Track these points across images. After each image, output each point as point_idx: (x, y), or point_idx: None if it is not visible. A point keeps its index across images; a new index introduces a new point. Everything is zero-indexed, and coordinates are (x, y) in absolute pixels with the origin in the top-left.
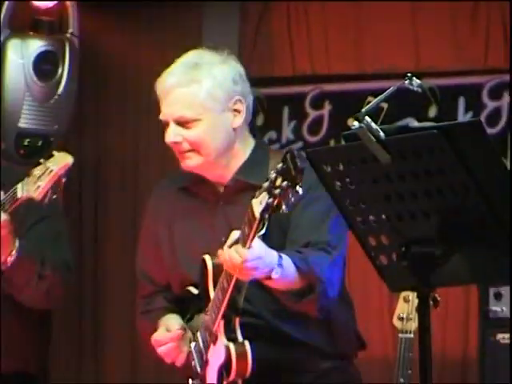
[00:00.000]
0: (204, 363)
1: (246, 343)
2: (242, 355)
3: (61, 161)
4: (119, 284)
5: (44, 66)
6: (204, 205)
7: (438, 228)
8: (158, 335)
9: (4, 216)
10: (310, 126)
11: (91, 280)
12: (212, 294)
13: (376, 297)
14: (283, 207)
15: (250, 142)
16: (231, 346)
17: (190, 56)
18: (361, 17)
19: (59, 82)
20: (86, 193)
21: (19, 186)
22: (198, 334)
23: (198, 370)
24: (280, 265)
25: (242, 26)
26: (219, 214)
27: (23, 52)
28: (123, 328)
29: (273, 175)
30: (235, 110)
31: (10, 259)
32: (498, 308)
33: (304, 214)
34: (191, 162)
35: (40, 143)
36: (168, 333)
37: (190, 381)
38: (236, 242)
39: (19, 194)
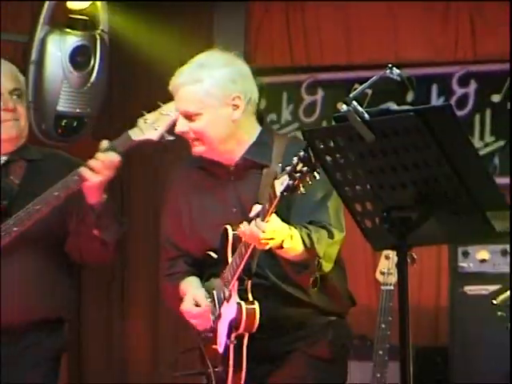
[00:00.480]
0: (217, 317)
1: (256, 303)
2: (251, 313)
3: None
4: (144, 246)
5: (79, 58)
6: (217, 181)
7: (415, 196)
8: (189, 307)
9: (118, 156)
10: (306, 109)
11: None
12: (230, 259)
13: (361, 255)
14: (301, 189)
15: (256, 128)
16: (243, 304)
17: (199, 57)
18: (350, 16)
19: (92, 72)
20: None
21: (132, 130)
22: (214, 292)
23: (211, 322)
24: (290, 237)
25: (247, 23)
26: (230, 189)
27: (61, 46)
28: (146, 283)
29: (295, 161)
30: (234, 105)
31: (103, 198)
32: (466, 264)
33: (308, 195)
34: (197, 149)
35: (75, 124)
36: (198, 308)
37: (203, 333)
38: (256, 216)
39: (134, 137)
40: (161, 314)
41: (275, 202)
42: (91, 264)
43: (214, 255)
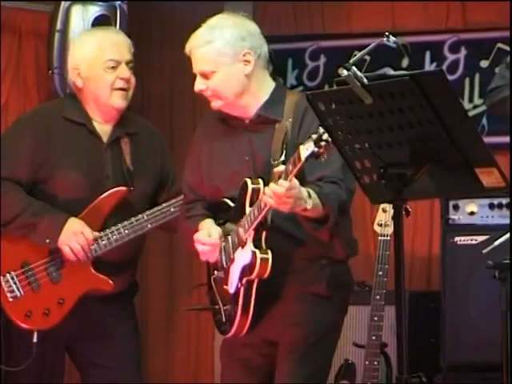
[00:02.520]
0: (230, 260)
1: (269, 252)
2: (264, 260)
3: None
4: None
5: (100, 26)
6: (234, 131)
7: (409, 154)
8: (201, 235)
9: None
10: (309, 74)
11: None
12: (247, 209)
13: (360, 208)
14: (324, 156)
15: (270, 84)
16: (257, 252)
17: (210, 21)
18: None
19: None
20: None
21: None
22: (229, 237)
23: (224, 264)
24: (309, 197)
25: None
26: (245, 139)
27: (83, 15)
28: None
29: (321, 130)
30: (245, 61)
31: None
32: (456, 216)
33: None
34: (215, 104)
35: None
36: (209, 238)
37: (216, 272)
38: (279, 177)
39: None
40: (176, 255)
41: (299, 166)
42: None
43: (230, 203)
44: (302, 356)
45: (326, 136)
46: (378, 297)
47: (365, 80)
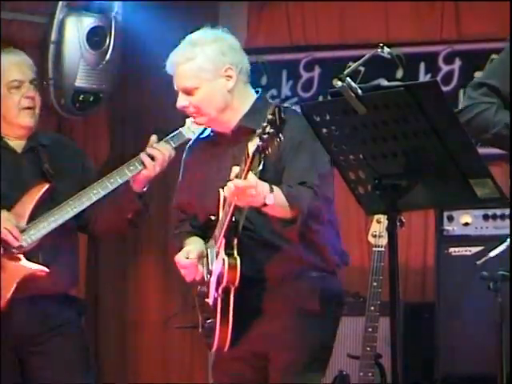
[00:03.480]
0: (209, 273)
1: (237, 257)
2: (232, 266)
3: None
4: (156, 223)
5: (95, 38)
6: (218, 149)
7: (404, 165)
8: (179, 257)
9: (173, 150)
10: (304, 85)
11: None
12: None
13: (355, 219)
14: (269, 150)
15: (251, 97)
16: (226, 258)
17: (190, 37)
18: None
19: (107, 51)
20: (127, 139)
21: (184, 129)
22: (209, 250)
23: (205, 278)
24: (271, 193)
25: (250, 7)
26: (229, 155)
27: (78, 27)
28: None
29: (264, 124)
30: (227, 76)
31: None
32: (450, 227)
33: (295, 159)
34: (199, 121)
35: (92, 99)
36: (187, 260)
37: (199, 287)
38: (235, 177)
39: (186, 135)
40: (170, 271)
41: (248, 162)
42: (103, 237)
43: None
44: (294, 376)
45: (269, 129)
46: (372, 308)
47: (359, 91)
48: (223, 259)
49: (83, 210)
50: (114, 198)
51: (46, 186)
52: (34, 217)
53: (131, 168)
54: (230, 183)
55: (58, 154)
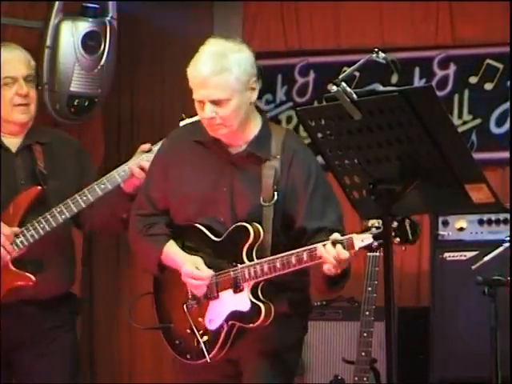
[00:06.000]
0: (212, 297)
1: (271, 305)
2: (268, 314)
3: None
4: None
5: (90, 42)
6: (215, 159)
7: (399, 169)
8: (191, 270)
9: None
10: (298, 90)
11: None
12: (244, 256)
13: (350, 224)
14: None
15: (258, 117)
16: (262, 306)
17: (214, 46)
18: (339, 4)
19: (102, 56)
20: (122, 143)
21: None
22: (214, 273)
23: (203, 298)
24: None
25: (245, 11)
26: (227, 171)
27: (73, 32)
28: None
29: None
30: (252, 88)
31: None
32: (445, 232)
33: (312, 201)
34: (221, 132)
35: (86, 103)
36: (204, 272)
37: (189, 301)
38: (335, 242)
39: None
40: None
41: (352, 252)
42: (103, 234)
43: (207, 232)
44: (267, 373)
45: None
46: (367, 313)
47: (354, 96)
48: (256, 304)
49: (79, 212)
50: (108, 200)
51: (37, 189)
52: (25, 220)
53: (122, 174)
54: (339, 249)
55: (57, 152)
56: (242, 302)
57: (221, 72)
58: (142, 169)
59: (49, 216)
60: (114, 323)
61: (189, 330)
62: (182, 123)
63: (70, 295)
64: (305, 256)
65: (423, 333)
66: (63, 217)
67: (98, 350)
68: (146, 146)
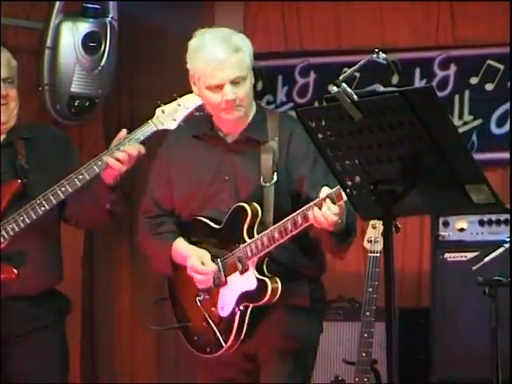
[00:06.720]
0: (220, 284)
1: (278, 280)
2: (275, 289)
3: (193, 100)
4: None
5: (90, 43)
6: (213, 150)
7: (400, 170)
8: (196, 265)
9: (142, 147)
10: (299, 90)
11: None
12: (245, 235)
13: None
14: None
15: (253, 103)
16: (267, 280)
17: (213, 33)
18: (339, 5)
19: (102, 56)
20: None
21: (152, 121)
22: (219, 260)
23: (213, 286)
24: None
25: (246, 12)
26: (226, 159)
27: (74, 32)
28: None
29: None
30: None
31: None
32: (446, 233)
33: (314, 173)
34: (238, 114)
35: (87, 104)
36: (205, 266)
37: (201, 294)
38: (327, 198)
39: (154, 127)
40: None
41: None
42: (89, 229)
43: (211, 223)
44: (285, 364)
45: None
46: (368, 313)
47: (355, 96)
48: (262, 280)
49: (65, 205)
50: (91, 192)
51: (17, 183)
52: (6, 214)
53: (99, 164)
54: (325, 209)
55: (41, 146)
56: (248, 281)
57: (236, 51)
58: (118, 160)
59: (29, 208)
60: (115, 323)
61: (205, 323)
62: (158, 110)
63: (56, 293)
64: (299, 219)
65: (424, 333)
66: (43, 209)
67: (99, 350)
68: (123, 133)
